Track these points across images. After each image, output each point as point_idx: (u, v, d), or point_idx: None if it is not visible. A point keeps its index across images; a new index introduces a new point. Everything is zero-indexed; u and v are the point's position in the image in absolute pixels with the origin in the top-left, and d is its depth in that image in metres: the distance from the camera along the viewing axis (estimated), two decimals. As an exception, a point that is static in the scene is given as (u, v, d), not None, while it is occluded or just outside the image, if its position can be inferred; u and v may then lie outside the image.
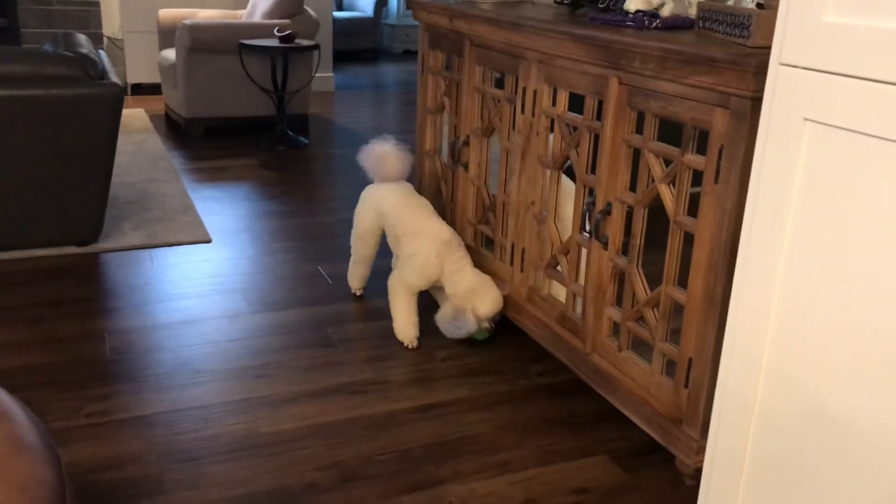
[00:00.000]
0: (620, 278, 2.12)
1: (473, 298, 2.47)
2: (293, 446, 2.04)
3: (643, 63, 1.86)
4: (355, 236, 2.78)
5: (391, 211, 2.62)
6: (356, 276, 2.87)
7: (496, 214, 2.65)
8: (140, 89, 6.45)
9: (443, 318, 2.52)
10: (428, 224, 2.55)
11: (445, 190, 3.02)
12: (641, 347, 2.07)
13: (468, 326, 2.46)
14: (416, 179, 3.24)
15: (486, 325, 2.50)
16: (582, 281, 2.26)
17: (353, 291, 2.90)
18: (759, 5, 1.74)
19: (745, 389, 1.48)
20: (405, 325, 2.55)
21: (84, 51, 3.17)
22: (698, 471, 1.84)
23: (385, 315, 2.74)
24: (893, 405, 1.22)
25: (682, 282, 1.88)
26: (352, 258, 2.85)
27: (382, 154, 2.71)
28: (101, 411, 2.15)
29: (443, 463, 2.00)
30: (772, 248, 1.39)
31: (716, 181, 1.73)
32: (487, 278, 2.52)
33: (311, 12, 5.50)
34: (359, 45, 9.30)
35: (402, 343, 2.56)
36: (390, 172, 2.70)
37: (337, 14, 9.12)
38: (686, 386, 1.88)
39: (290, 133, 5.10)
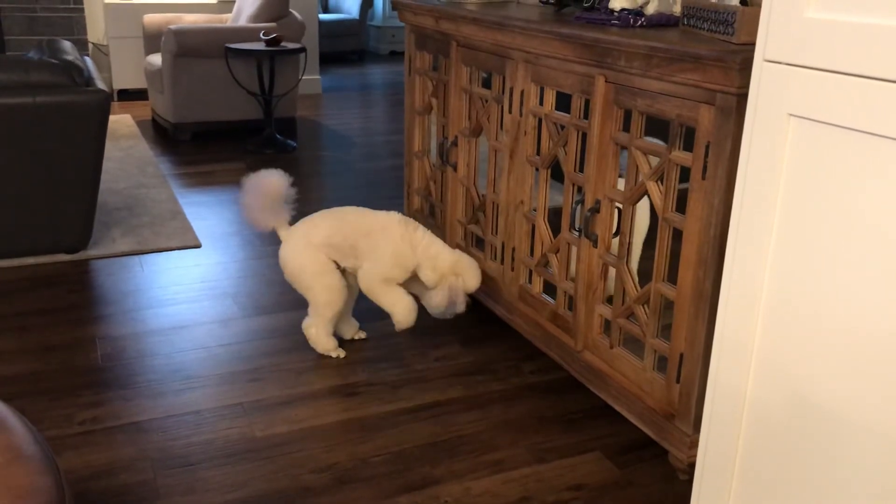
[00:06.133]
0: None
1: (461, 274, 2.42)
2: (287, 449, 2.04)
3: (629, 61, 1.87)
4: (320, 289, 2.42)
5: (333, 232, 2.42)
6: (331, 332, 2.50)
7: (486, 214, 2.66)
8: (126, 95, 6.43)
9: (438, 304, 2.42)
10: (376, 217, 2.44)
11: (435, 190, 3.03)
12: (633, 344, 2.09)
13: (462, 305, 2.44)
14: (405, 181, 3.24)
15: (466, 299, 2.48)
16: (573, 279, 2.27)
17: (336, 355, 2.50)
18: (742, 2, 1.75)
19: (737, 383, 1.49)
20: (407, 306, 2.42)
21: (69, 57, 3.16)
22: (692, 465, 1.85)
23: (376, 316, 2.72)
24: (882, 396, 1.23)
25: (672, 278, 1.89)
26: (324, 318, 2.45)
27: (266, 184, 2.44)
28: (94, 418, 2.15)
29: (437, 463, 2.01)
30: (760, 242, 1.40)
31: (703, 177, 1.74)
32: (459, 251, 2.48)
33: (297, 15, 5.50)
34: (345, 46, 9.29)
35: (408, 326, 2.46)
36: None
37: (322, 16, 9.11)
38: (678, 381, 1.90)
39: (277, 136, 5.09)
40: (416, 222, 2.48)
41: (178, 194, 4.07)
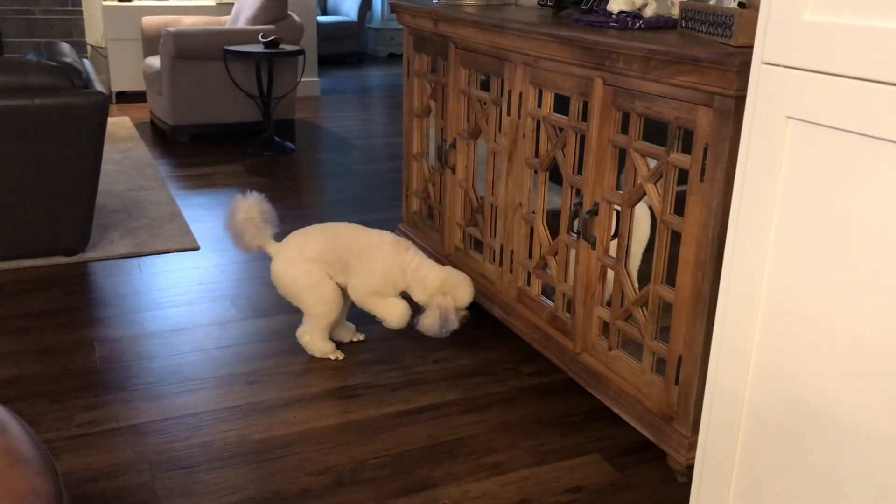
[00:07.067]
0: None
1: (450, 291, 2.41)
2: (285, 452, 2.04)
3: (627, 64, 1.87)
4: (314, 301, 2.43)
5: (327, 248, 2.43)
6: (327, 337, 2.50)
7: (484, 216, 2.66)
8: (125, 97, 6.43)
9: (430, 325, 2.41)
10: (368, 237, 2.45)
11: (433, 193, 3.03)
12: (631, 346, 2.09)
13: (455, 322, 2.43)
14: (404, 183, 3.25)
15: (463, 313, 2.46)
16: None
17: (335, 357, 2.50)
18: (741, 4, 1.75)
19: (735, 385, 1.49)
20: (401, 310, 2.42)
21: (68, 60, 3.16)
22: (690, 467, 1.85)
23: (373, 318, 2.71)
24: (881, 397, 1.23)
25: (671, 280, 1.89)
26: (319, 326, 2.46)
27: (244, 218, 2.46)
28: (92, 421, 2.15)
29: (436, 465, 2.00)
30: (758, 244, 1.40)
31: (701, 180, 1.74)
32: (449, 267, 2.48)
33: (295, 17, 5.50)
34: (343, 49, 9.29)
35: (399, 327, 2.46)
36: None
37: (321, 18, 9.11)
38: (676, 383, 1.90)
39: (276, 139, 5.09)
40: (409, 243, 2.47)
41: (176, 196, 4.07)
